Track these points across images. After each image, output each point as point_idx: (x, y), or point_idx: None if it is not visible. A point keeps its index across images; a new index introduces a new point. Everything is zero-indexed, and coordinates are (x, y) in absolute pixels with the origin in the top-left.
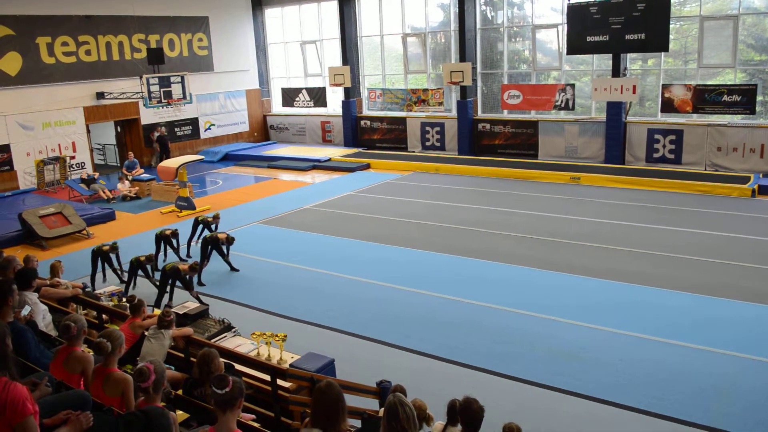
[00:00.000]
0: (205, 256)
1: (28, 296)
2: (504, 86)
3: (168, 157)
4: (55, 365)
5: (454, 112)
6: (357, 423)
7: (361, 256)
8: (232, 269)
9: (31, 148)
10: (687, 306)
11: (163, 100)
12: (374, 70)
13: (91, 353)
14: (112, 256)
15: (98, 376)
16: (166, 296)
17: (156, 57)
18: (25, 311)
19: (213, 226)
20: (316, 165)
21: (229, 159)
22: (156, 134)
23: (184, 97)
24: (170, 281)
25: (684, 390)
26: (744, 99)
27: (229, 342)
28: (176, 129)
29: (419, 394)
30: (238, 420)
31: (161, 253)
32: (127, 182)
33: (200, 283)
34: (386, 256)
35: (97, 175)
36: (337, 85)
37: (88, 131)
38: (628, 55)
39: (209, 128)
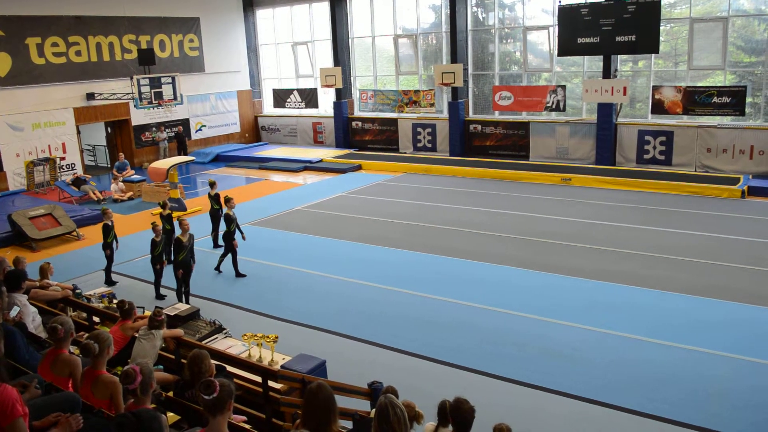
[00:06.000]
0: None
1: (18, 298)
2: (495, 87)
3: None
4: (43, 368)
5: (445, 114)
6: (348, 424)
7: (353, 257)
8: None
9: (21, 149)
10: (678, 307)
11: (153, 101)
12: (366, 71)
13: (79, 356)
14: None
15: (87, 379)
16: None
17: (147, 58)
18: (14, 312)
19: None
20: (308, 166)
21: (220, 160)
22: (165, 134)
23: (175, 98)
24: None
25: (675, 391)
26: (734, 101)
27: (220, 343)
28: (167, 130)
29: (410, 395)
30: (229, 422)
31: None
32: (121, 184)
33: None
34: (377, 257)
35: (89, 177)
36: (328, 86)
37: (79, 132)
38: (619, 56)
39: (200, 129)
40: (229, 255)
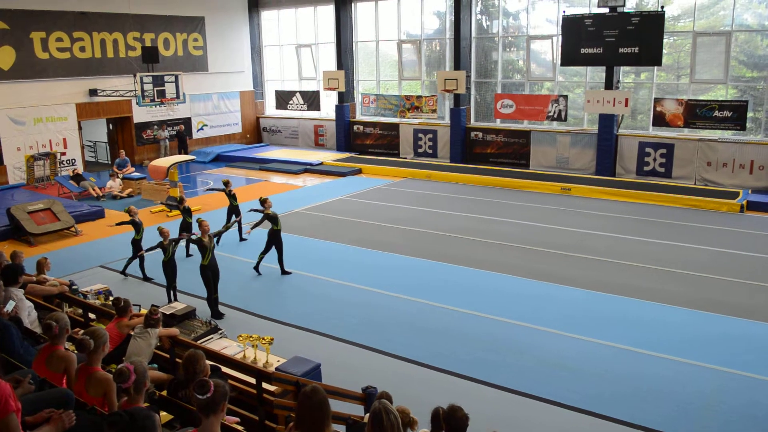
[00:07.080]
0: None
1: (14, 292)
2: (497, 95)
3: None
4: (38, 363)
5: (447, 120)
6: (341, 428)
7: (350, 260)
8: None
9: (22, 143)
10: (674, 320)
11: (156, 99)
12: (369, 75)
13: (75, 352)
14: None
15: (81, 376)
16: None
17: (150, 56)
18: (9, 307)
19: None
20: (308, 168)
21: (220, 160)
22: (167, 132)
23: (178, 97)
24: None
25: (669, 403)
26: (735, 115)
27: (215, 344)
28: (168, 128)
29: (404, 401)
30: (222, 423)
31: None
32: (118, 180)
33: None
34: (375, 262)
35: (80, 171)
36: (331, 89)
37: (80, 128)
38: (621, 68)
39: (202, 128)
40: (264, 250)
